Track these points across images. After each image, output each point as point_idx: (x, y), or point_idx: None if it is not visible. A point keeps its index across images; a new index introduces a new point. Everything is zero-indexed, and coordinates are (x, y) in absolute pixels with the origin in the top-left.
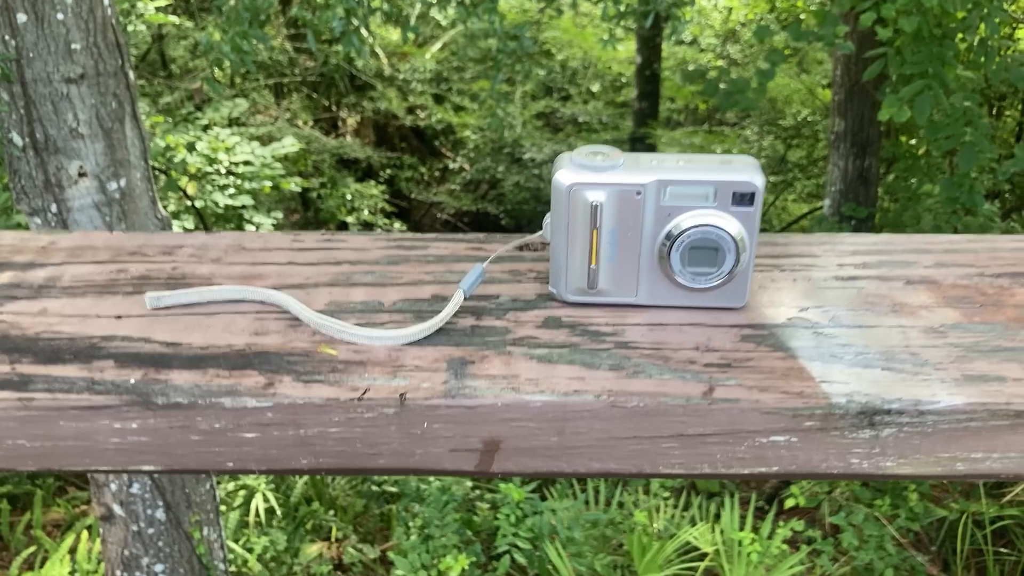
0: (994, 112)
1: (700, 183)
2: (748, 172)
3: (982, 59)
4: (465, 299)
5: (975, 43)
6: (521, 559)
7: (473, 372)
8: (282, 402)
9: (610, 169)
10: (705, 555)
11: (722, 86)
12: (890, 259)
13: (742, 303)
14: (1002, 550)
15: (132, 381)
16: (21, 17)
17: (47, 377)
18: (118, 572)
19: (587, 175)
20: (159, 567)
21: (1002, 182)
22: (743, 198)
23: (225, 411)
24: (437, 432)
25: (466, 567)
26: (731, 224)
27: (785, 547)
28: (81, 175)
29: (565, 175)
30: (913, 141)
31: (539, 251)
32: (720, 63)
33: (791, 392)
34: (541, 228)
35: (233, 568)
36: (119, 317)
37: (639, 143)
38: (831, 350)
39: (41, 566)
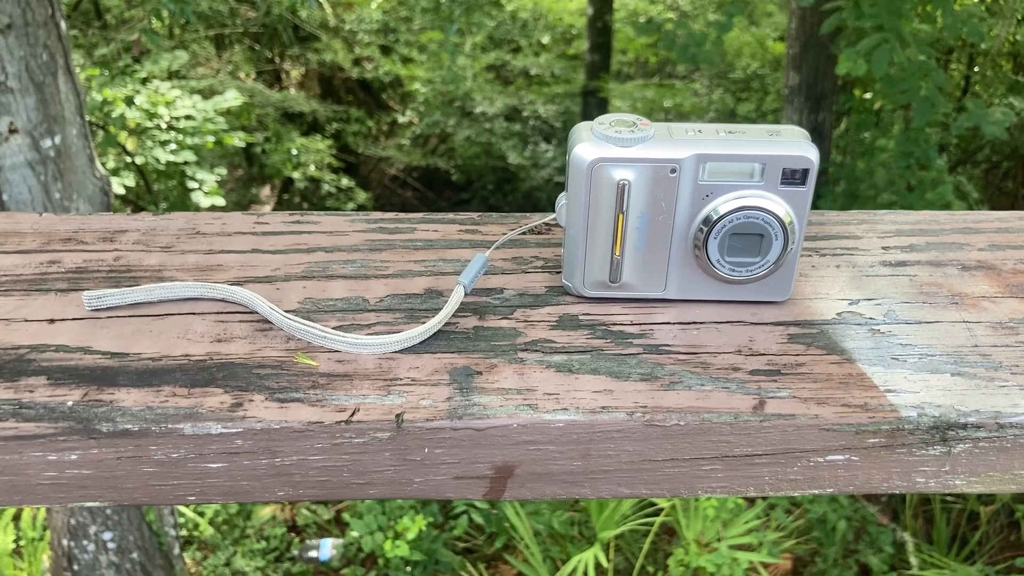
0: (941, 65)
1: (745, 158)
2: (799, 145)
3: (939, 12)
4: (466, 295)
5: None
6: (479, 519)
7: (481, 385)
8: (253, 427)
9: (640, 142)
10: (661, 510)
11: (678, 40)
12: (938, 240)
13: (786, 296)
14: (948, 497)
15: (69, 403)
16: None
17: None
18: (64, 541)
19: (613, 149)
20: (107, 535)
21: (950, 136)
22: (794, 175)
23: (184, 438)
24: (440, 458)
25: (423, 528)
26: (779, 206)
27: (741, 501)
28: (12, 132)
29: (586, 149)
30: (868, 95)
31: (543, 233)
32: (671, 15)
33: (853, 404)
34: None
35: (184, 532)
36: (51, 321)
37: (591, 96)
38: (891, 351)
39: None
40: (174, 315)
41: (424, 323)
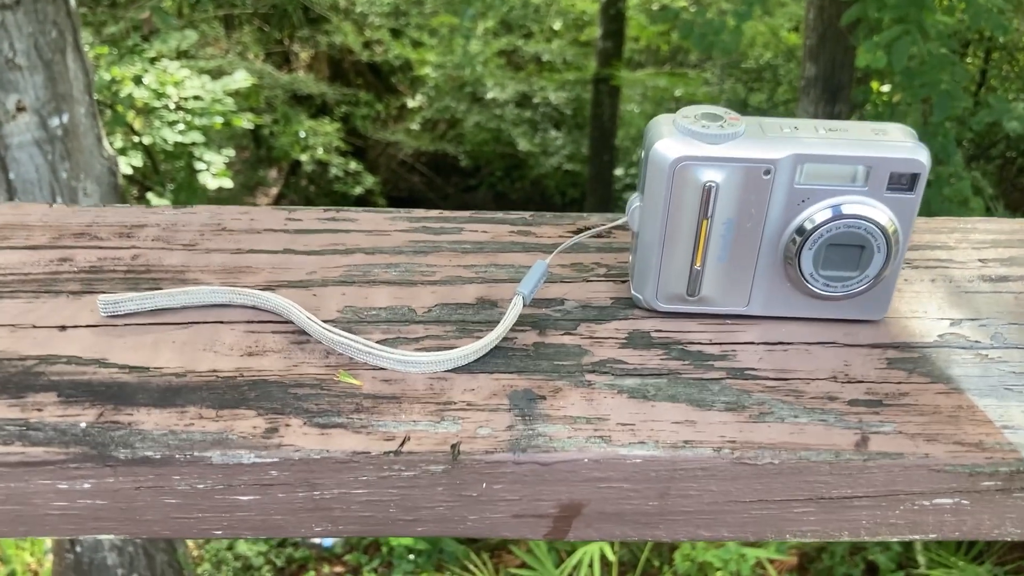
0: (957, 58)
1: (849, 159)
2: (909, 146)
3: (961, 4)
4: (525, 306)
5: None
6: None
7: (545, 412)
8: (290, 456)
9: (730, 139)
10: None
11: (696, 28)
12: None
13: (882, 315)
14: None
15: (83, 425)
16: None
17: None
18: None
19: (699, 147)
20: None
21: (965, 130)
22: (902, 180)
23: (212, 468)
24: (498, 494)
25: None
26: (882, 215)
27: None
28: (20, 110)
29: (668, 146)
30: (885, 88)
31: (605, 236)
32: (684, 2)
33: (967, 443)
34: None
35: None
36: (63, 328)
37: (603, 83)
38: (1003, 380)
39: None
40: (199, 323)
41: (479, 338)
